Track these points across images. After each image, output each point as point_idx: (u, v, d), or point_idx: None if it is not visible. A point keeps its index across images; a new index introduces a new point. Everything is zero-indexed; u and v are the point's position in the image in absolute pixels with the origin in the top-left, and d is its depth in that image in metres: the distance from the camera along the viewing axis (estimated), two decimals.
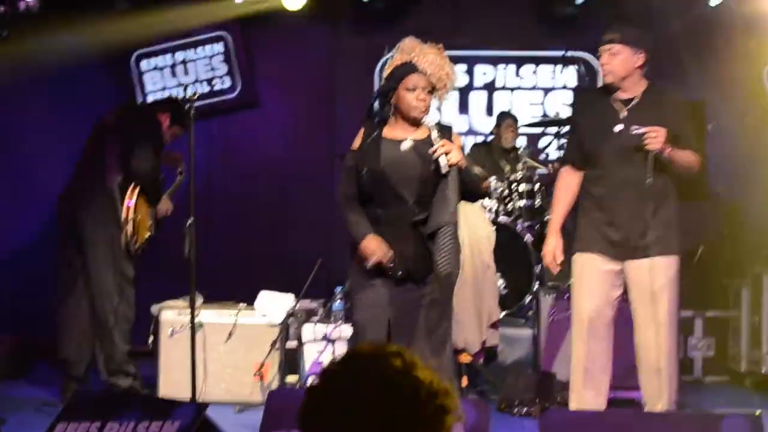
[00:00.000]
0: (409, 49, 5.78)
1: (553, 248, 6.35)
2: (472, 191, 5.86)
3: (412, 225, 5.72)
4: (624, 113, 6.08)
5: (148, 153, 7.56)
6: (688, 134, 6.10)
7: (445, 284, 5.78)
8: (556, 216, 6.44)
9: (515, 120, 10.25)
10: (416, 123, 5.78)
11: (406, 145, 5.76)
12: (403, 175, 5.70)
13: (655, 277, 6.04)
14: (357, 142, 5.88)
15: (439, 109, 10.84)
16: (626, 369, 6.53)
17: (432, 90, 5.73)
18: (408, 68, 5.71)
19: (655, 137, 5.84)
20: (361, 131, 5.91)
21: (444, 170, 5.56)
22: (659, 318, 6.06)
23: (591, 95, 6.39)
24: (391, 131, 5.83)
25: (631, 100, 6.11)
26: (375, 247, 5.67)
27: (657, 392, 6.11)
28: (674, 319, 6.15)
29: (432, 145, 5.65)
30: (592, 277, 6.20)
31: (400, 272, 5.69)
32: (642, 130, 5.90)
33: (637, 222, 6.04)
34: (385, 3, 10.69)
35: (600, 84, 10.72)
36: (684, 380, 8.07)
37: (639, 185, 5.95)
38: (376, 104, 5.92)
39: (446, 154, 5.55)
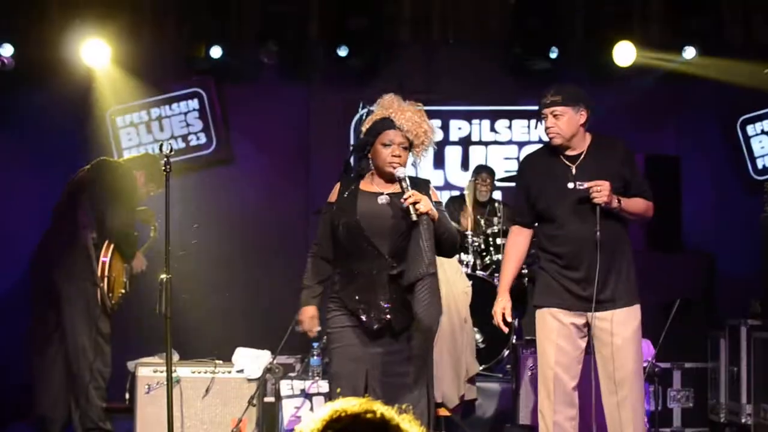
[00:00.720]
0: (388, 104, 5.80)
1: (501, 308, 6.40)
2: (448, 245, 5.84)
3: (389, 278, 5.69)
4: (573, 170, 6.16)
5: (122, 209, 7.54)
6: (637, 180, 6.21)
7: (425, 337, 5.76)
8: (506, 275, 6.48)
9: (491, 173, 10.24)
10: (391, 178, 5.77)
11: (382, 199, 5.75)
12: (379, 228, 5.70)
13: (618, 329, 6.10)
14: (333, 196, 5.88)
15: (414, 165, 10.83)
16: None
17: (409, 147, 5.74)
18: (385, 124, 5.73)
19: (599, 191, 5.94)
20: (337, 185, 5.91)
21: (414, 218, 5.54)
22: (621, 377, 6.10)
23: (537, 156, 6.43)
24: (368, 185, 5.83)
25: (579, 156, 6.19)
26: (304, 319, 5.90)
27: None
28: (638, 376, 6.19)
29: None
30: (555, 331, 6.21)
31: (376, 325, 5.66)
32: (586, 185, 6.01)
33: (595, 275, 6.06)
34: (359, 59, 10.72)
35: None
36: (663, 431, 8.08)
37: (592, 241, 6.02)
38: (352, 159, 5.94)
39: (415, 203, 5.54)
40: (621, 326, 6.10)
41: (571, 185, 6.11)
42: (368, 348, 5.72)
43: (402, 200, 5.60)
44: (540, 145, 10.99)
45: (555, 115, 6.11)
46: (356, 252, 5.74)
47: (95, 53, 10.11)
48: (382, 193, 5.78)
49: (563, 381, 6.17)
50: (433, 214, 5.64)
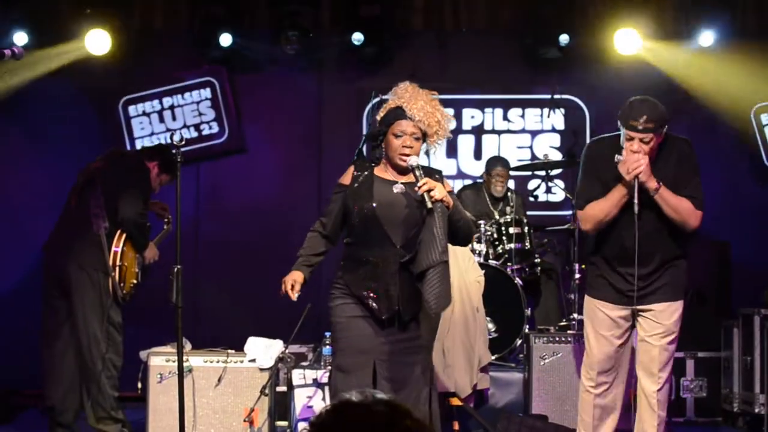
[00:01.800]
0: (402, 93, 5.78)
1: None
2: (462, 232, 5.83)
3: (399, 267, 5.69)
4: None
5: (135, 199, 7.54)
6: (689, 184, 6.14)
7: (431, 327, 5.76)
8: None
9: (506, 166, 10.03)
10: (403, 169, 5.77)
11: (398, 188, 5.75)
12: (393, 217, 5.70)
13: (662, 320, 6.18)
14: (347, 179, 5.87)
15: (427, 153, 10.81)
16: None
17: (422, 137, 5.73)
18: (398, 113, 5.72)
19: (636, 161, 5.92)
20: (351, 168, 5.90)
21: (429, 205, 5.53)
22: (654, 368, 6.19)
23: (606, 147, 6.28)
24: (382, 172, 5.82)
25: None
26: (287, 280, 5.81)
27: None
28: (669, 367, 6.27)
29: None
30: (601, 322, 6.31)
31: (386, 315, 5.66)
32: (624, 155, 6.00)
33: (652, 274, 6.16)
34: (371, 47, 10.71)
35: (588, 128, 10.81)
36: (676, 421, 8.08)
37: (647, 236, 6.06)
38: (364, 147, 5.93)
39: (429, 191, 5.54)
40: (669, 317, 6.19)
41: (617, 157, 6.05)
42: (377, 338, 5.72)
43: (416, 188, 5.59)
44: (552, 134, 11.14)
45: (644, 142, 5.99)
46: (368, 239, 5.74)
47: (107, 42, 10.11)
48: (396, 182, 5.77)
49: (604, 367, 6.31)
50: (447, 201, 5.62)
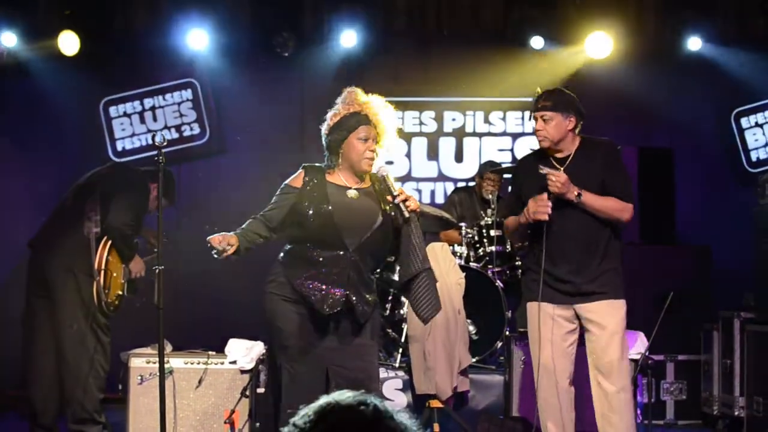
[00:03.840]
0: (354, 100, 5.81)
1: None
2: (439, 226, 5.92)
3: (350, 270, 5.70)
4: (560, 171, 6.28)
5: (126, 210, 7.52)
6: (615, 182, 6.28)
7: (376, 328, 5.89)
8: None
9: (497, 171, 10.01)
10: (361, 175, 5.81)
11: (352, 193, 5.78)
12: (348, 222, 5.70)
13: (602, 320, 6.26)
14: (298, 182, 5.87)
15: (408, 156, 10.90)
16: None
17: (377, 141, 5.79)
18: (360, 119, 5.74)
19: (554, 181, 6.12)
20: (302, 172, 5.90)
21: (406, 214, 5.61)
22: (606, 365, 6.27)
23: (530, 158, 6.60)
24: (334, 178, 5.83)
25: (567, 158, 6.34)
26: (217, 236, 5.71)
27: None
28: (622, 366, 6.30)
29: (375, 194, 5.79)
30: (544, 324, 6.38)
31: (328, 310, 5.65)
32: (545, 170, 6.17)
33: (579, 270, 6.27)
34: (353, 50, 10.72)
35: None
36: (656, 424, 8.11)
37: (577, 237, 6.24)
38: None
39: (405, 200, 5.61)
40: (605, 317, 6.25)
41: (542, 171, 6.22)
42: (327, 344, 5.75)
43: (390, 197, 5.66)
44: (532, 137, 11.18)
45: (544, 120, 6.27)
46: (321, 240, 5.74)
47: (77, 44, 10.09)
48: (350, 188, 5.79)
49: (551, 371, 6.34)
50: (420, 209, 5.72)
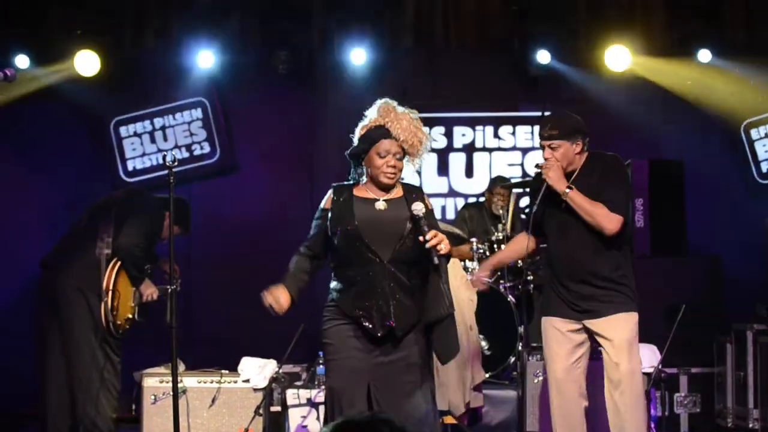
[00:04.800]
0: (384, 112, 5.74)
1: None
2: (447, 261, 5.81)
3: (390, 284, 5.61)
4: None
5: (137, 232, 7.54)
6: (608, 194, 6.26)
7: (424, 344, 5.73)
8: (495, 255, 7.04)
9: (507, 186, 10.09)
10: (385, 187, 5.75)
11: (380, 205, 5.71)
12: (377, 234, 5.62)
13: (611, 334, 6.28)
14: (328, 203, 5.81)
15: (419, 172, 10.84)
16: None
17: (403, 155, 5.71)
18: (381, 133, 5.67)
19: (548, 166, 6.28)
20: (330, 192, 5.86)
21: (435, 261, 5.49)
22: (617, 377, 6.28)
23: (539, 177, 6.56)
24: (362, 192, 5.75)
25: (572, 173, 6.37)
26: (271, 292, 5.73)
27: None
28: (633, 378, 6.29)
29: (405, 202, 5.69)
30: (554, 339, 6.44)
31: (380, 332, 5.61)
32: (540, 163, 6.39)
33: (585, 288, 6.30)
34: (362, 65, 10.74)
35: None
36: None
37: (582, 254, 6.29)
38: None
39: (436, 245, 5.47)
40: (611, 331, 6.26)
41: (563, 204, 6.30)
42: (370, 358, 5.64)
43: (422, 239, 5.49)
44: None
45: (552, 148, 6.32)
46: (355, 259, 5.67)
47: (97, 63, 10.14)
48: (378, 200, 5.76)
49: (565, 385, 6.42)
50: (450, 250, 5.63)
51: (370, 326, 5.59)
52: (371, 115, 5.79)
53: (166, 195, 7.59)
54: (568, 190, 6.20)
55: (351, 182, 5.85)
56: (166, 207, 7.73)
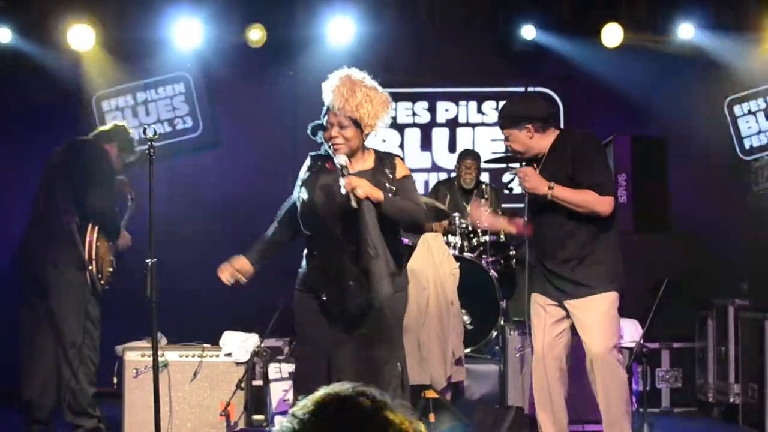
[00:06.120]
0: (329, 84, 5.69)
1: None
2: (403, 222, 5.69)
3: (348, 260, 5.59)
4: (537, 171, 6.35)
5: (101, 189, 7.46)
6: (586, 174, 6.22)
7: (386, 319, 5.68)
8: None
9: (476, 158, 10.16)
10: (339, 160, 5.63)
11: (334, 178, 5.60)
12: (329, 208, 5.60)
13: (582, 314, 6.30)
14: (301, 172, 5.83)
15: (401, 146, 10.89)
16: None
17: (352, 124, 5.60)
18: (326, 107, 5.68)
19: (522, 177, 6.27)
20: (308, 159, 5.86)
21: (353, 204, 5.42)
22: (589, 358, 6.30)
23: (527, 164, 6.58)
24: (332, 164, 5.69)
25: (543, 156, 6.38)
26: (227, 266, 5.94)
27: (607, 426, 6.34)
28: (605, 357, 6.25)
29: (372, 174, 5.64)
30: (536, 314, 6.48)
31: (336, 307, 5.62)
32: (515, 170, 6.40)
33: (565, 264, 6.31)
34: (345, 41, 10.71)
35: (562, 121, 10.85)
36: (652, 411, 8.12)
37: (561, 231, 6.30)
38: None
39: (353, 189, 5.41)
40: (583, 312, 6.27)
41: (507, 175, 6.52)
42: (330, 332, 5.69)
43: (342, 188, 5.46)
44: None
45: (505, 137, 6.43)
46: (314, 232, 5.69)
47: (81, 37, 10.09)
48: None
49: (547, 359, 6.44)
50: (374, 197, 5.49)
51: (327, 300, 5.60)
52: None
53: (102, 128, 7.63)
54: (550, 191, 6.16)
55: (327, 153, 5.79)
56: (107, 141, 7.70)
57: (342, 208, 5.54)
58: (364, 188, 5.45)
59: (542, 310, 6.42)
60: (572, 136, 6.43)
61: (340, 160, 5.54)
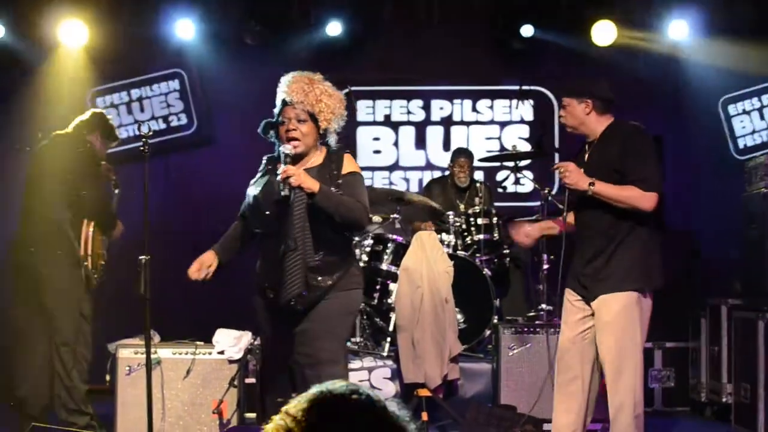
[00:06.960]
0: (284, 82, 5.74)
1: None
2: (338, 218, 5.59)
3: (283, 255, 5.57)
4: (585, 157, 6.25)
5: (93, 185, 7.45)
6: (634, 169, 6.07)
7: (335, 317, 5.70)
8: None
9: (469, 157, 10.16)
10: (294, 158, 5.62)
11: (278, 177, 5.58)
12: (272, 204, 5.60)
13: (600, 313, 6.13)
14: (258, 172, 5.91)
15: (396, 145, 10.86)
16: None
17: (309, 118, 5.62)
18: (283, 102, 5.69)
19: (563, 172, 6.11)
20: (263, 160, 5.92)
21: (284, 192, 5.45)
22: (603, 356, 6.16)
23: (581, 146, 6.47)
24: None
25: (593, 143, 6.26)
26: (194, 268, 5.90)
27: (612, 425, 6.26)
28: (622, 354, 6.12)
29: (318, 172, 5.64)
30: (566, 309, 6.37)
31: (282, 304, 5.61)
32: (556, 166, 6.20)
33: (593, 261, 6.17)
34: (342, 38, 10.70)
35: (556, 119, 10.84)
36: (645, 411, 8.09)
37: (595, 227, 6.16)
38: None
39: (287, 178, 5.43)
40: (599, 310, 6.12)
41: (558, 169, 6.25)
42: (280, 329, 5.75)
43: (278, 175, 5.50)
44: (520, 125, 11.24)
45: (563, 105, 6.36)
46: (261, 230, 5.75)
47: (75, 34, 10.07)
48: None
49: (569, 354, 6.30)
50: (307, 186, 5.47)
51: (273, 298, 5.65)
52: (279, 89, 5.77)
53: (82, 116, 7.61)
54: (591, 187, 6.01)
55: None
56: (89, 131, 7.66)
57: (283, 203, 5.55)
58: (298, 177, 5.46)
59: (570, 305, 6.31)
60: (623, 127, 6.29)
61: (285, 149, 5.58)
